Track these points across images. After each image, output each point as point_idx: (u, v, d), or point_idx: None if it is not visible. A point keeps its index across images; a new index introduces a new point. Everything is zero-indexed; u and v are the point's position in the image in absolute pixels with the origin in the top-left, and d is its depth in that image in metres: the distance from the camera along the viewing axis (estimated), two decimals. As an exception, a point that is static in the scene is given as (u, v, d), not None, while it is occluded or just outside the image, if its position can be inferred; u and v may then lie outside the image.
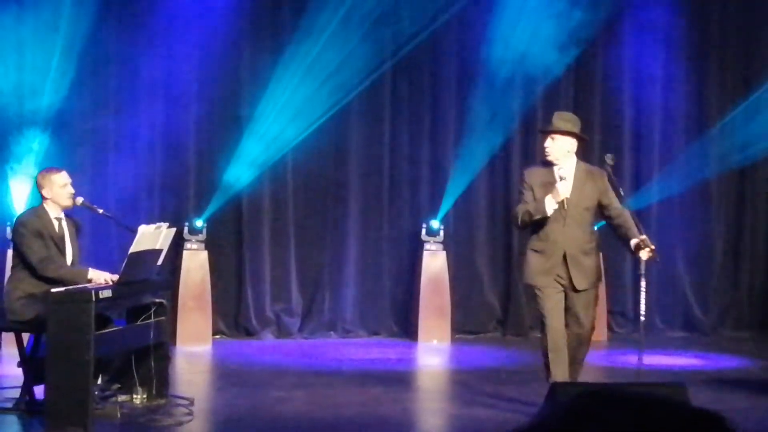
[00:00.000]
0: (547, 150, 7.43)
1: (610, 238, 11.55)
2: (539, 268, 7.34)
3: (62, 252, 7.42)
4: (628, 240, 7.35)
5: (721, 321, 12.09)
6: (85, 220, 8.10)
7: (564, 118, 7.54)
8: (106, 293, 6.82)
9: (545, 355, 7.31)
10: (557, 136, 7.38)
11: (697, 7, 12.06)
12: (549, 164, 7.42)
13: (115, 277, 7.25)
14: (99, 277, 7.26)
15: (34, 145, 10.24)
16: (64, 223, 7.51)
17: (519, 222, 7.40)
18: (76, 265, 7.46)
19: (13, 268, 7.50)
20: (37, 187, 7.55)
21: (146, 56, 10.78)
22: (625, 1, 11.75)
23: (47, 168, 7.83)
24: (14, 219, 8.15)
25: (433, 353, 10.81)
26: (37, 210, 7.52)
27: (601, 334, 11.40)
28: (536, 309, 7.54)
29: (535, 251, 7.39)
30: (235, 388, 8.36)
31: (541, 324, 7.44)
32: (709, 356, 10.34)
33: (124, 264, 7.12)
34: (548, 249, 7.33)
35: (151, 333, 7.27)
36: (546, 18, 11.22)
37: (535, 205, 7.29)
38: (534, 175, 7.48)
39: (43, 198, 7.49)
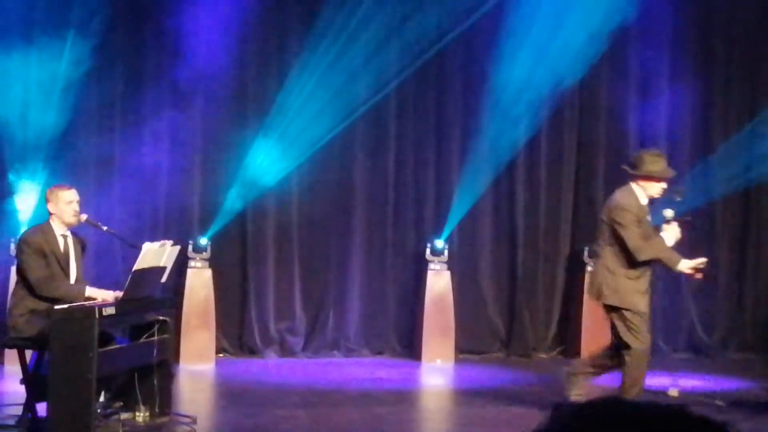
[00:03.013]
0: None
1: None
2: (642, 297, 7.63)
3: (65, 270, 7.41)
4: None
5: (725, 343, 12.04)
6: (89, 237, 8.10)
7: None
8: (110, 310, 6.81)
9: (632, 381, 7.55)
10: None
11: (701, 29, 12.07)
12: (634, 197, 7.57)
13: (115, 294, 7.24)
14: (97, 295, 7.25)
15: (40, 162, 10.26)
16: (69, 241, 7.50)
17: (644, 260, 7.54)
18: (79, 283, 7.45)
19: (16, 284, 7.49)
20: (45, 201, 7.56)
21: (152, 76, 10.83)
22: (630, 25, 11.73)
23: (57, 184, 7.83)
24: (19, 235, 8.14)
25: (436, 373, 10.78)
26: (42, 227, 7.51)
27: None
28: (624, 330, 7.63)
29: (630, 279, 7.58)
30: (238, 407, 8.35)
31: (628, 347, 7.58)
32: (713, 378, 10.30)
33: (127, 281, 7.12)
34: (644, 276, 7.63)
35: (155, 351, 7.25)
36: (551, 40, 11.24)
37: (669, 256, 7.57)
38: (635, 207, 7.58)
39: (49, 213, 7.49)
